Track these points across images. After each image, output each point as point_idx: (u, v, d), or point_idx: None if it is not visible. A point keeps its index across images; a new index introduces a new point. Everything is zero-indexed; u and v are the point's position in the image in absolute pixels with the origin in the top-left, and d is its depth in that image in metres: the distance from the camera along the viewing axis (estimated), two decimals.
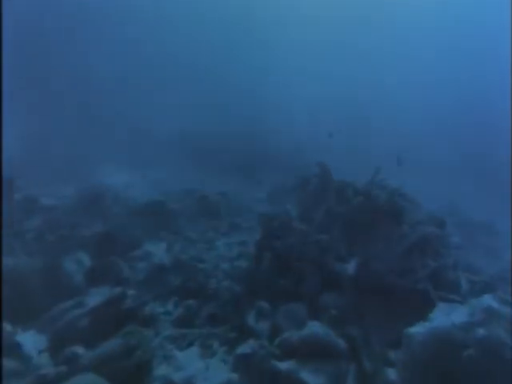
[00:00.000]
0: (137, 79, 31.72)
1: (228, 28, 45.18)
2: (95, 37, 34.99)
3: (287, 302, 6.08)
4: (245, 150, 19.25)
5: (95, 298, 5.28)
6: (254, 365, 4.74)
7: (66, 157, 14.04)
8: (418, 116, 30.18)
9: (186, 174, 15.41)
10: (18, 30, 28.70)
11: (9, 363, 3.76)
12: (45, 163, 12.59)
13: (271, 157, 18.51)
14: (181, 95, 30.54)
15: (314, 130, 22.10)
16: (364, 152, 18.62)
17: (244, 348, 4.93)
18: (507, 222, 15.08)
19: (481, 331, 3.08)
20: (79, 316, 4.44)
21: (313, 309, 5.98)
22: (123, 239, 7.42)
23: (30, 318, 4.57)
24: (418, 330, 3.68)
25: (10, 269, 5.35)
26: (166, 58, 38.48)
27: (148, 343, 4.55)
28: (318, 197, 7.43)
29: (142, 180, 13.94)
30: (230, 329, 5.63)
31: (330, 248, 6.58)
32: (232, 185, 14.36)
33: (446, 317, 3.54)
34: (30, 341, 4.18)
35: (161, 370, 4.33)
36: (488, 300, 3.46)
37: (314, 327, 5.05)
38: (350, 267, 6.18)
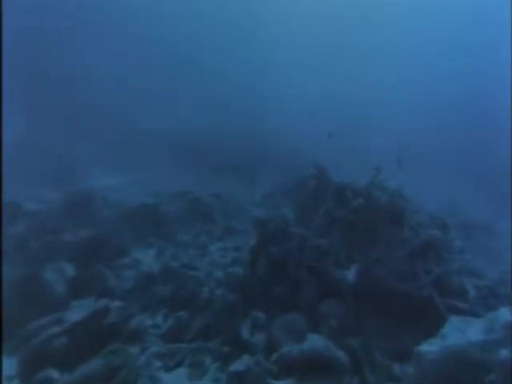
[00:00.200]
0: (132, 79, 31.26)
1: (228, 26, 44.85)
2: (91, 36, 34.52)
3: (284, 311, 5.73)
4: (241, 150, 18.88)
5: (76, 312, 4.88)
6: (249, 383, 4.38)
7: (55, 158, 13.55)
8: (417, 114, 30.00)
9: (180, 175, 14.98)
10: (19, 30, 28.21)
11: None
12: (31, 165, 12.10)
13: (268, 157, 18.15)
14: (178, 94, 30.18)
15: (312, 129, 21.77)
16: (363, 152, 18.32)
17: (238, 365, 4.56)
18: (506, 222, 14.88)
19: (504, 352, 2.75)
20: (56, 334, 4.03)
21: (311, 319, 5.63)
22: (110, 245, 7.00)
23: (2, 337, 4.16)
24: (429, 348, 3.34)
25: None
26: (164, 57, 38.08)
27: (133, 362, 4.17)
28: (316, 199, 7.08)
29: (133, 182, 13.49)
30: (223, 342, 5.25)
31: (328, 253, 6.23)
32: (227, 186, 13.97)
33: (460, 333, 3.21)
34: None
35: None
36: (506, 314, 3.13)
37: (314, 341, 4.70)
38: (350, 274, 5.83)
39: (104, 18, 36.59)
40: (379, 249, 6.15)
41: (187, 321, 5.43)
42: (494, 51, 38.04)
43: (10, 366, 3.74)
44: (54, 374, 3.60)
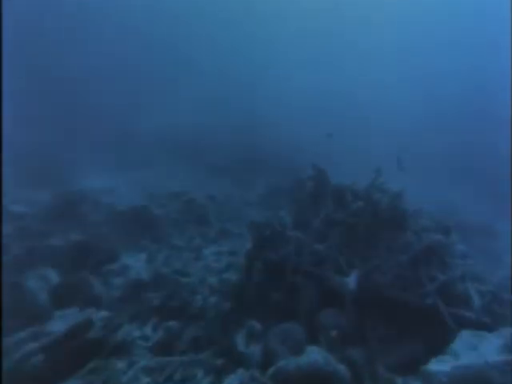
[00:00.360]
0: (130, 78, 30.91)
1: (228, 25, 44.59)
2: (88, 36, 34.14)
3: (281, 320, 5.44)
4: (237, 150, 18.58)
5: (59, 323, 4.55)
6: None
7: (44, 158, 13.14)
8: (417, 114, 29.94)
9: (174, 176, 14.64)
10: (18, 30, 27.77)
11: None
12: (19, 165, 11.69)
13: (265, 157, 17.87)
14: (174, 93, 29.84)
15: (311, 130, 21.55)
16: (362, 152, 18.12)
17: (232, 380, 4.26)
18: (506, 223, 14.75)
19: None
20: (33, 351, 3.70)
21: (310, 328, 5.34)
22: (99, 250, 6.67)
23: None
24: (440, 367, 3.06)
25: None
26: (163, 56, 37.74)
27: (118, 380, 3.85)
28: (314, 201, 6.79)
29: (126, 183, 13.13)
30: (216, 354, 4.95)
31: (327, 258, 5.94)
32: (222, 187, 13.66)
33: (473, 351, 2.93)
34: None
35: None
36: None
37: (313, 354, 4.41)
38: (351, 280, 5.54)
39: (103, 17, 36.28)
40: (380, 254, 5.88)
41: (178, 331, 5.11)
42: (494, 51, 38.14)
43: None
44: None
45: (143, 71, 33.49)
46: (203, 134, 20.37)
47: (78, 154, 14.79)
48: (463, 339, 3.26)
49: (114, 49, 34.52)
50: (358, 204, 6.34)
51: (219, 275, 6.52)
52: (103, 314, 4.95)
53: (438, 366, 3.15)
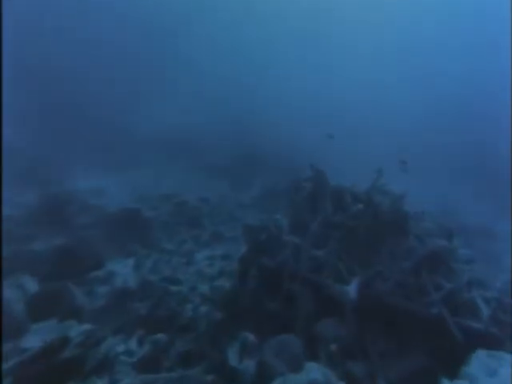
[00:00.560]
0: (128, 78, 30.42)
1: (228, 25, 44.25)
2: (85, 36, 33.62)
3: (277, 332, 5.08)
4: (235, 150, 18.18)
5: (34, 339, 4.15)
6: None
7: (32, 157, 12.66)
8: (417, 114, 29.79)
9: (167, 177, 14.22)
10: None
11: None
12: (6, 165, 11.20)
13: (265, 157, 17.47)
14: (174, 91, 29.40)
15: (311, 130, 21.25)
16: (362, 152, 17.82)
17: None
18: (506, 224, 14.56)
19: None
20: (2, 373, 3.30)
21: (308, 340, 4.99)
22: (84, 256, 6.26)
23: None
24: None
25: None
26: (161, 55, 37.31)
27: None
28: (312, 204, 6.45)
29: (117, 184, 12.69)
30: (206, 370, 4.58)
31: (326, 265, 5.60)
32: (216, 188, 13.27)
33: (493, 377, 2.60)
34: None
35: None
36: None
37: (312, 372, 4.06)
38: (351, 289, 5.20)
39: (103, 16, 35.84)
40: (382, 260, 5.55)
41: (166, 345, 4.73)
42: (495, 50, 38.17)
43: None
44: None
45: (142, 71, 33.03)
46: (202, 135, 19.97)
47: (68, 153, 14.32)
48: (479, 360, 2.93)
49: (113, 48, 34.04)
50: (358, 206, 6.01)
51: (211, 282, 6.15)
52: (84, 327, 4.56)
53: None
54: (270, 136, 20.40)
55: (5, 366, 3.46)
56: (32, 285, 5.22)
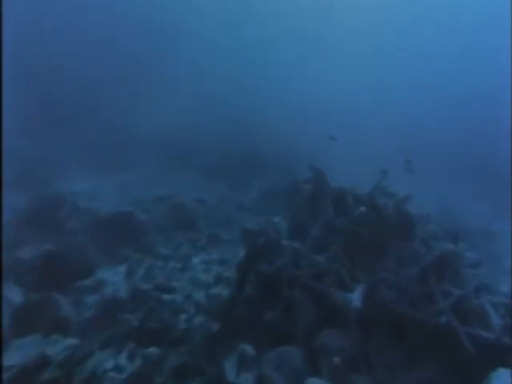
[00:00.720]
0: (126, 77, 30.05)
1: (228, 22, 43.97)
2: (81, 37, 33.24)
3: (277, 343, 4.79)
4: (235, 151, 17.85)
5: (16, 355, 3.85)
6: None
7: (24, 158, 12.30)
8: (416, 114, 29.68)
9: (163, 178, 13.88)
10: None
11: None
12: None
13: (264, 157, 17.17)
14: (173, 91, 29.08)
15: (310, 130, 21.00)
16: (362, 152, 17.58)
17: None
18: (506, 224, 14.38)
19: None
20: None
21: (309, 352, 4.71)
22: (73, 263, 5.95)
23: None
24: None
25: None
26: (161, 55, 36.97)
27: None
28: (313, 206, 6.17)
29: (111, 185, 12.34)
30: None
31: (328, 272, 5.31)
32: (213, 190, 12.96)
33: None
34: None
35: None
36: None
37: None
38: (355, 297, 4.91)
39: (102, 16, 35.52)
40: (387, 265, 5.27)
41: (158, 359, 4.43)
42: (495, 51, 38.18)
43: None
44: None
45: (142, 71, 32.69)
46: (202, 135, 19.65)
47: (62, 154, 13.97)
48: (501, 381, 2.65)
49: (112, 48, 33.67)
50: (361, 209, 5.73)
51: (207, 290, 5.85)
52: (69, 341, 4.26)
53: None
54: (269, 136, 20.12)
55: None
56: (16, 295, 4.90)
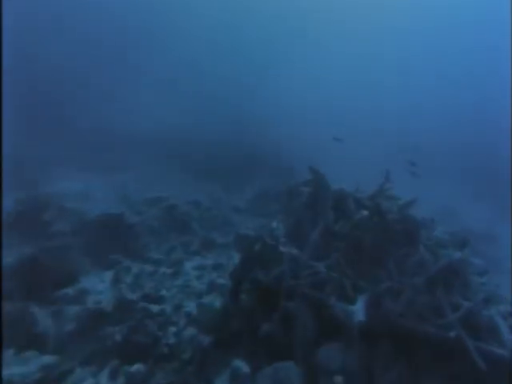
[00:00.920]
0: (126, 77, 29.66)
1: (228, 22, 43.63)
2: (80, 37, 32.81)
3: (273, 358, 4.43)
4: (233, 150, 17.48)
5: None
6: None
7: (11, 159, 11.86)
8: (416, 114, 29.55)
9: (157, 179, 13.49)
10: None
11: None
12: None
13: (264, 158, 16.82)
14: (173, 90, 28.74)
15: (310, 130, 20.72)
16: (362, 153, 17.30)
17: None
18: (506, 225, 14.19)
19: None
20: None
21: (308, 369, 4.35)
22: (55, 269, 5.56)
23: None
24: None
25: None
26: (160, 55, 36.59)
27: None
28: (312, 211, 5.81)
29: (103, 186, 11.92)
30: None
31: (329, 281, 4.95)
32: (208, 191, 12.58)
33: None
34: None
35: None
36: None
37: None
38: (358, 309, 4.55)
39: (101, 16, 35.17)
40: (392, 274, 4.92)
41: (144, 377, 4.06)
42: (495, 52, 38.14)
43: None
44: None
45: (142, 71, 32.32)
46: (202, 135, 19.28)
47: (53, 154, 13.55)
48: None
49: (112, 48, 33.30)
50: (363, 213, 5.38)
51: (198, 299, 5.47)
52: (47, 358, 3.88)
53: None
54: (269, 136, 19.82)
55: None
56: None
